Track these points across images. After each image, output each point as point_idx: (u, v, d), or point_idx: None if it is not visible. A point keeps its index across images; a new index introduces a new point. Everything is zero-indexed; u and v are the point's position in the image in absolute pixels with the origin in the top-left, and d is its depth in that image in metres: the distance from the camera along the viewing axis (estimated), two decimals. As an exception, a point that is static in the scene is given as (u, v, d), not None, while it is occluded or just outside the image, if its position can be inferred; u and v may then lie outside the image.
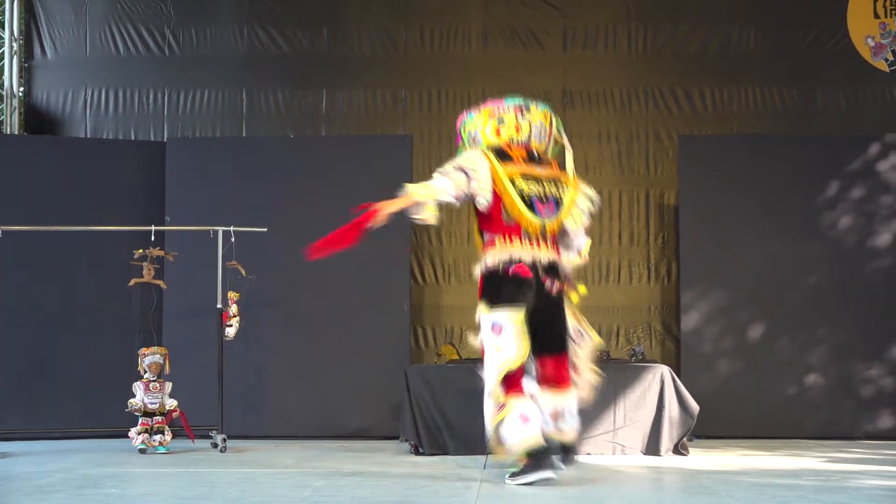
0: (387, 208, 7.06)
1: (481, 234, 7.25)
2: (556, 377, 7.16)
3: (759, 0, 11.28)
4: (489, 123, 7.34)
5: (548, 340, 7.18)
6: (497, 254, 7.06)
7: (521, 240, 7.07)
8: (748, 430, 9.82)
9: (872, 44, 11.19)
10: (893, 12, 11.20)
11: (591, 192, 7.47)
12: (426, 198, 7.04)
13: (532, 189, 7.13)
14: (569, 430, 7.14)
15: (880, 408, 9.91)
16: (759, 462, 8.12)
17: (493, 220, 7.11)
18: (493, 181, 7.07)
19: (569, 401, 7.17)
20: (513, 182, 7.07)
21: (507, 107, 7.40)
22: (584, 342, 7.37)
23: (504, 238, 7.07)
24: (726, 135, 10.99)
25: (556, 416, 7.13)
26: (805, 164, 10.19)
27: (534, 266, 7.05)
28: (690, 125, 11.12)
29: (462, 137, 7.53)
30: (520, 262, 7.02)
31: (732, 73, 11.22)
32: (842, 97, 11.17)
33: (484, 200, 7.07)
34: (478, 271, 7.16)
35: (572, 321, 7.34)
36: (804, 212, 10.11)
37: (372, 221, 7.08)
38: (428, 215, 7.08)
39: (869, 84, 11.15)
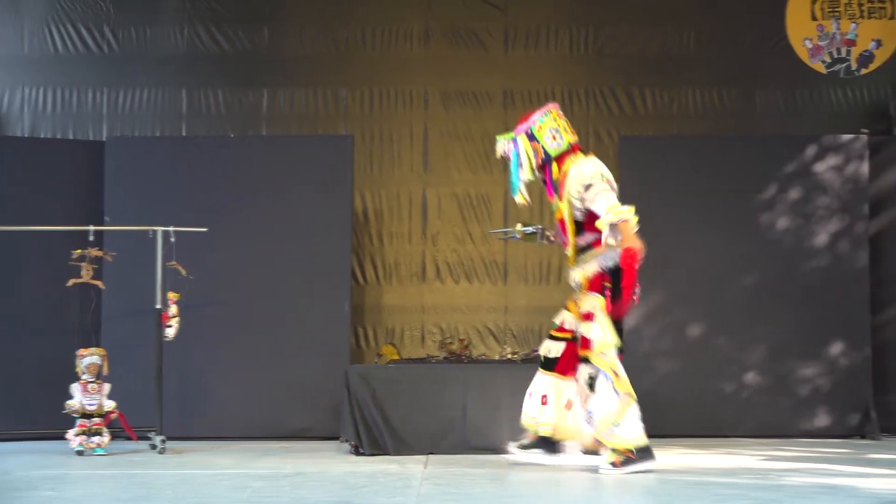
0: (635, 241, 7.32)
1: (583, 233, 7.62)
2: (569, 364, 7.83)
3: (699, 2, 11.36)
4: (561, 123, 7.75)
5: None
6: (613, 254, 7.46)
7: None
8: (686, 428, 9.86)
9: (810, 46, 11.30)
10: (831, 15, 11.31)
11: None
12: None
13: None
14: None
15: (817, 406, 9.99)
16: (697, 460, 8.19)
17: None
18: None
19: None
20: None
21: (559, 110, 7.84)
22: None
23: None
24: (667, 135, 11.06)
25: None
26: (744, 164, 10.26)
27: None
28: (631, 125, 11.18)
29: (536, 137, 7.69)
30: None
31: (673, 74, 11.29)
32: (780, 98, 11.27)
33: None
34: (595, 266, 7.52)
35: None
36: (743, 212, 10.18)
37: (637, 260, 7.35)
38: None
39: (807, 85, 11.27)
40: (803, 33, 11.32)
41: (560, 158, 7.65)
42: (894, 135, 11.03)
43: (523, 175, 7.72)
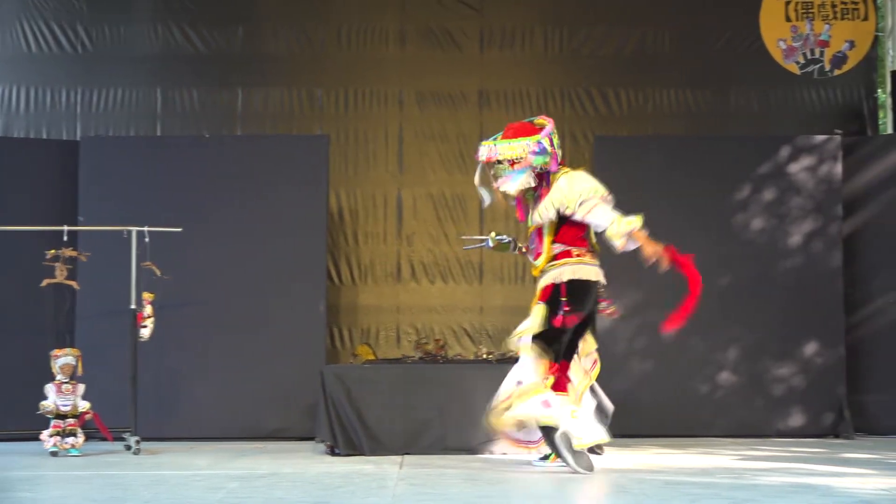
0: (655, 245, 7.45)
1: (553, 244, 7.56)
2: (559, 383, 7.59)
3: (674, 3, 11.40)
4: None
5: (571, 348, 7.71)
6: (579, 265, 7.51)
7: (589, 254, 7.60)
8: (662, 428, 9.89)
9: (784, 46, 11.35)
10: (804, 16, 11.36)
11: None
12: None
13: None
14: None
15: (791, 406, 10.03)
16: (673, 460, 8.20)
17: (575, 234, 7.55)
18: None
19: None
20: None
21: None
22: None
23: (581, 252, 7.56)
24: (642, 135, 11.08)
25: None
26: (718, 164, 10.29)
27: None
28: (606, 126, 11.20)
29: (554, 142, 7.66)
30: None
31: (647, 74, 11.32)
32: (754, 99, 11.32)
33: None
34: (549, 279, 7.48)
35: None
36: (718, 212, 10.21)
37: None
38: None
39: (781, 86, 11.32)
40: (777, 34, 11.37)
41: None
42: (867, 135, 11.08)
43: (525, 177, 7.62)
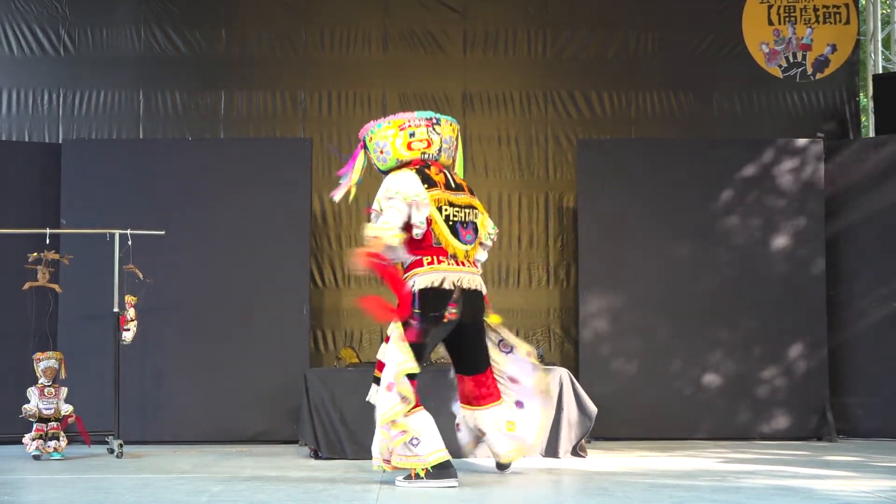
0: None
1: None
2: (476, 395, 7.50)
3: (657, 5, 11.40)
4: (400, 136, 7.37)
5: (470, 360, 7.52)
6: (426, 275, 7.17)
7: (447, 261, 7.21)
8: (645, 431, 9.90)
9: (767, 50, 11.38)
10: (787, 19, 11.39)
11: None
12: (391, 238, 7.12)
13: (456, 215, 7.28)
14: (503, 450, 7.52)
15: (775, 408, 10.04)
16: (656, 463, 8.20)
17: (420, 243, 7.22)
18: None
19: (493, 416, 7.49)
20: (440, 209, 7.23)
21: (419, 120, 7.43)
22: (515, 350, 7.68)
23: (432, 259, 7.20)
24: (624, 138, 11.09)
25: (481, 434, 7.56)
26: (701, 167, 10.30)
27: (459, 288, 7.19)
28: (589, 129, 11.20)
29: (367, 146, 7.53)
30: (450, 302, 7.17)
31: (630, 77, 11.32)
32: (737, 102, 11.33)
33: (420, 232, 7.19)
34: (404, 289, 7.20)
35: (495, 335, 7.67)
36: (701, 215, 10.22)
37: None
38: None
39: (763, 89, 11.34)
40: (760, 38, 11.39)
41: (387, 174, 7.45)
42: (850, 139, 11.11)
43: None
